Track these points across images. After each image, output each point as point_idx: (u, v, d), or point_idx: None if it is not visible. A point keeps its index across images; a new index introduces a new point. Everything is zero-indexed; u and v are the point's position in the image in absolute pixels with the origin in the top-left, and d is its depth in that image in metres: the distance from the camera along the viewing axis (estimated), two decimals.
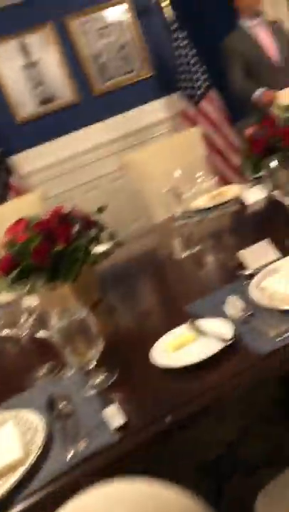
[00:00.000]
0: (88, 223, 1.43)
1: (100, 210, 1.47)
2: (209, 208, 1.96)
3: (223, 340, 0.94)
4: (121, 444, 0.80)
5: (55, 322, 0.98)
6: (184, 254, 1.56)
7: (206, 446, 1.53)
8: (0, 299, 1.61)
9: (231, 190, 2.10)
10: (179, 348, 1.00)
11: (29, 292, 1.29)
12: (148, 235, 2.11)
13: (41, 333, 1.08)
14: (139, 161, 2.54)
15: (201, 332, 1.01)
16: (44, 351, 1.24)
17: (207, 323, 1.04)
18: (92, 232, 1.44)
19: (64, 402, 0.97)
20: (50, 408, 0.97)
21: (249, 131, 1.71)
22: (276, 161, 1.29)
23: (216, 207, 1.93)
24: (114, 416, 0.86)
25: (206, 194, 2.05)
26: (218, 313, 1.07)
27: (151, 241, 2.02)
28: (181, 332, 1.05)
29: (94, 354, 0.98)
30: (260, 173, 1.71)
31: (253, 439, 1.58)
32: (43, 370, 1.16)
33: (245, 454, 1.56)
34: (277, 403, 1.63)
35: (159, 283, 1.49)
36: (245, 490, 1.45)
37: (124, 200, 3.11)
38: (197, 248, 1.57)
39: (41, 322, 1.17)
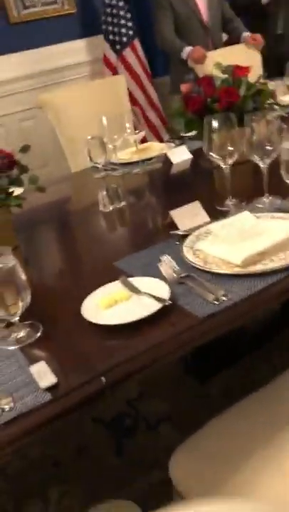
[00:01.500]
0: (10, 162, 1.30)
1: (24, 149, 1.33)
2: (133, 163, 1.90)
3: (160, 300, 0.92)
4: (52, 405, 0.75)
5: None
6: (110, 208, 1.49)
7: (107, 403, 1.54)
8: None
9: (157, 147, 2.05)
10: (111, 305, 0.95)
11: None
12: (67, 183, 2.00)
13: None
14: (58, 102, 2.37)
15: (134, 290, 0.98)
16: None
17: (141, 282, 1.00)
18: (14, 172, 1.32)
19: None
20: None
21: (185, 87, 1.66)
22: (216, 121, 1.26)
23: (140, 162, 1.87)
24: (43, 374, 0.80)
25: (131, 148, 1.99)
26: (151, 272, 1.04)
27: (73, 190, 1.92)
28: (112, 289, 1.00)
29: (20, 307, 0.90)
30: (191, 133, 1.68)
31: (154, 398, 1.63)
32: None
33: (146, 412, 1.60)
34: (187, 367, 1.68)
35: (84, 235, 1.41)
36: (146, 445, 1.50)
37: (36, 143, 2.92)
38: (123, 203, 1.51)
39: None
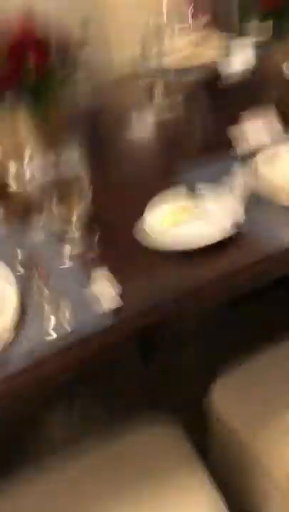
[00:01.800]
0: (66, 43, 1.13)
1: (85, 25, 1.15)
2: (181, 70, 1.71)
3: (231, 225, 0.83)
4: (114, 330, 0.70)
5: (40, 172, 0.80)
6: (160, 118, 1.36)
7: None
8: None
9: (208, 53, 1.85)
10: (175, 224, 0.87)
11: None
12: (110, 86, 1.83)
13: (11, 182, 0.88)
14: None
15: (201, 209, 0.89)
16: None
17: (209, 199, 0.91)
18: (70, 62, 1.16)
19: (36, 266, 0.83)
20: (19, 269, 0.83)
21: None
22: None
23: (188, 70, 1.68)
24: (105, 296, 0.75)
25: (180, 51, 1.78)
26: (217, 192, 0.95)
27: (120, 94, 1.75)
28: (175, 206, 0.91)
29: (77, 218, 0.83)
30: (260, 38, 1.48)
31: None
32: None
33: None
34: None
35: (139, 145, 1.29)
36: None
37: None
38: (173, 114, 1.37)
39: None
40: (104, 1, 2.04)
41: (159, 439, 0.91)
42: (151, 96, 1.42)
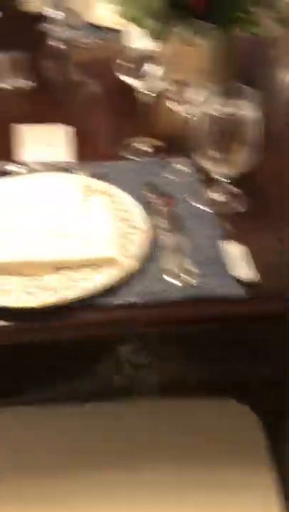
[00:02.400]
0: None
1: None
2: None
3: None
4: (244, 305, 0.62)
5: (207, 104, 0.70)
6: None
7: None
8: None
9: None
10: None
11: (161, 36, 0.94)
12: None
13: (176, 106, 0.79)
14: None
15: None
16: (163, 122, 0.97)
17: None
18: None
19: (167, 203, 0.77)
20: (149, 204, 0.77)
21: None
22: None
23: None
24: (241, 263, 0.67)
25: None
26: None
27: None
28: None
29: (236, 166, 0.73)
30: None
31: None
32: (144, 145, 0.92)
33: None
34: None
35: None
36: None
37: None
38: None
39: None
40: None
41: (229, 419, 0.86)
42: None
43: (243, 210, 0.76)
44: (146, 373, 1.31)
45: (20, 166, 0.85)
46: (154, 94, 0.87)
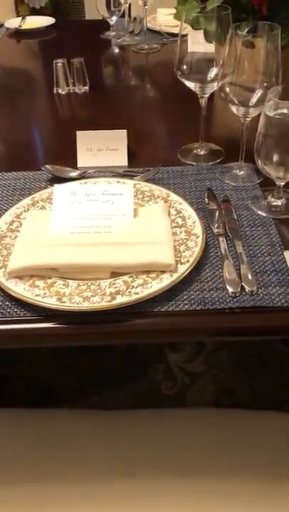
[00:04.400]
0: None
1: None
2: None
3: None
4: None
5: (269, 106, 0.68)
6: None
7: None
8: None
9: None
10: None
11: (220, 38, 0.92)
12: None
13: (236, 109, 0.77)
14: None
15: None
16: (223, 126, 0.96)
17: None
18: None
19: (226, 209, 0.75)
20: (207, 210, 0.75)
21: None
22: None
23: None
24: None
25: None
26: None
27: None
28: None
29: None
30: None
31: None
32: (203, 150, 0.90)
33: None
34: None
35: None
36: None
37: None
38: None
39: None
40: None
41: (282, 433, 0.82)
42: None
43: None
44: (200, 382, 1.29)
45: (78, 171, 0.86)
46: (214, 98, 0.85)
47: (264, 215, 0.74)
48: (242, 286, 0.62)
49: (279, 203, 0.76)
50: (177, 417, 0.85)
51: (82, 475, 0.77)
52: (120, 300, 0.60)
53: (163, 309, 0.61)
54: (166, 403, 0.91)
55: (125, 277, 0.63)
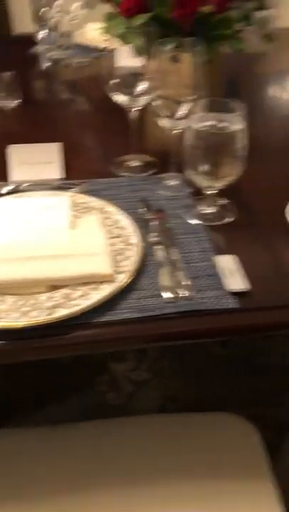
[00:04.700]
0: None
1: None
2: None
3: None
4: (237, 316, 0.62)
5: (195, 119, 0.71)
6: None
7: None
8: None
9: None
10: None
11: (147, 53, 0.95)
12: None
13: (164, 122, 0.80)
14: None
15: None
16: (153, 138, 0.98)
17: None
18: (249, 5, 1.05)
19: (160, 218, 0.77)
20: (142, 220, 0.77)
21: None
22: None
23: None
24: (232, 273, 0.67)
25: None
26: None
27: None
28: None
29: (225, 179, 0.74)
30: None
31: None
32: (136, 162, 0.93)
33: None
34: None
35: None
36: None
37: None
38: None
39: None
40: None
41: (229, 432, 0.85)
42: None
43: (232, 221, 0.77)
44: (145, 390, 1.30)
45: (12, 185, 0.86)
46: (143, 111, 0.88)
47: (196, 222, 0.77)
48: (178, 292, 0.65)
49: (210, 210, 0.79)
50: (122, 425, 0.85)
51: (27, 496, 0.76)
52: (60, 313, 0.60)
53: (104, 319, 0.62)
54: (112, 413, 0.91)
55: (64, 290, 0.64)
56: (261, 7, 1.05)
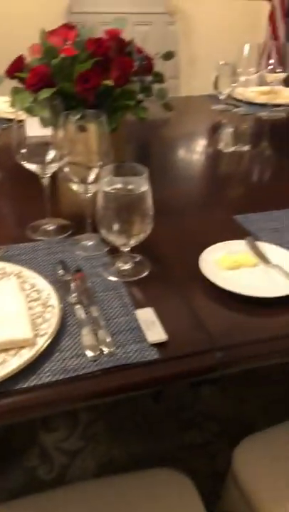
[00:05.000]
0: (149, 66, 1.13)
1: (168, 56, 1.16)
2: (258, 104, 1.69)
3: None
4: (158, 366, 0.64)
5: (104, 183, 0.75)
6: (230, 149, 1.32)
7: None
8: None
9: (286, 93, 1.83)
10: (233, 267, 0.82)
11: (55, 124, 1.00)
12: (180, 107, 1.80)
13: (76, 187, 0.84)
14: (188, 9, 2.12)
15: (263, 259, 0.84)
16: (67, 202, 1.01)
17: (271, 251, 0.86)
18: (147, 79, 1.15)
19: (79, 278, 0.78)
20: (62, 281, 0.78)
21: None
22: None
23: (268, 105, 1.66)
24: (151, 325, 0.69)
25: (260, 87, 1.77)
26: (284, 240, 0.90)
27: (188, 117, 1.73)
28: (235, 249, 0.86)
29: (137, 237, 0.78)
30: None
31: None
32: (51, 225, 0.94)
33: None
34: None
35: (200, 173, 1.25)
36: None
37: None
38: (247, 147, 1.33)
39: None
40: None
41: (166, 487, 0.84)
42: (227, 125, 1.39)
43: (148, 275, 0.80)
44: (80, 459, 1.26)
45: None
46: (55, 177, 0.91)
47: (115, 279, 0.80)
48: (101, 349, 0.65)
49: (126, 267, 0.82)
50: (55, 498, 0.81)
51: None
52: None
53: (25, 385, 0.60)
54: (46, 489, 0.87)
55: None
56: (159, 81, 1.16)
